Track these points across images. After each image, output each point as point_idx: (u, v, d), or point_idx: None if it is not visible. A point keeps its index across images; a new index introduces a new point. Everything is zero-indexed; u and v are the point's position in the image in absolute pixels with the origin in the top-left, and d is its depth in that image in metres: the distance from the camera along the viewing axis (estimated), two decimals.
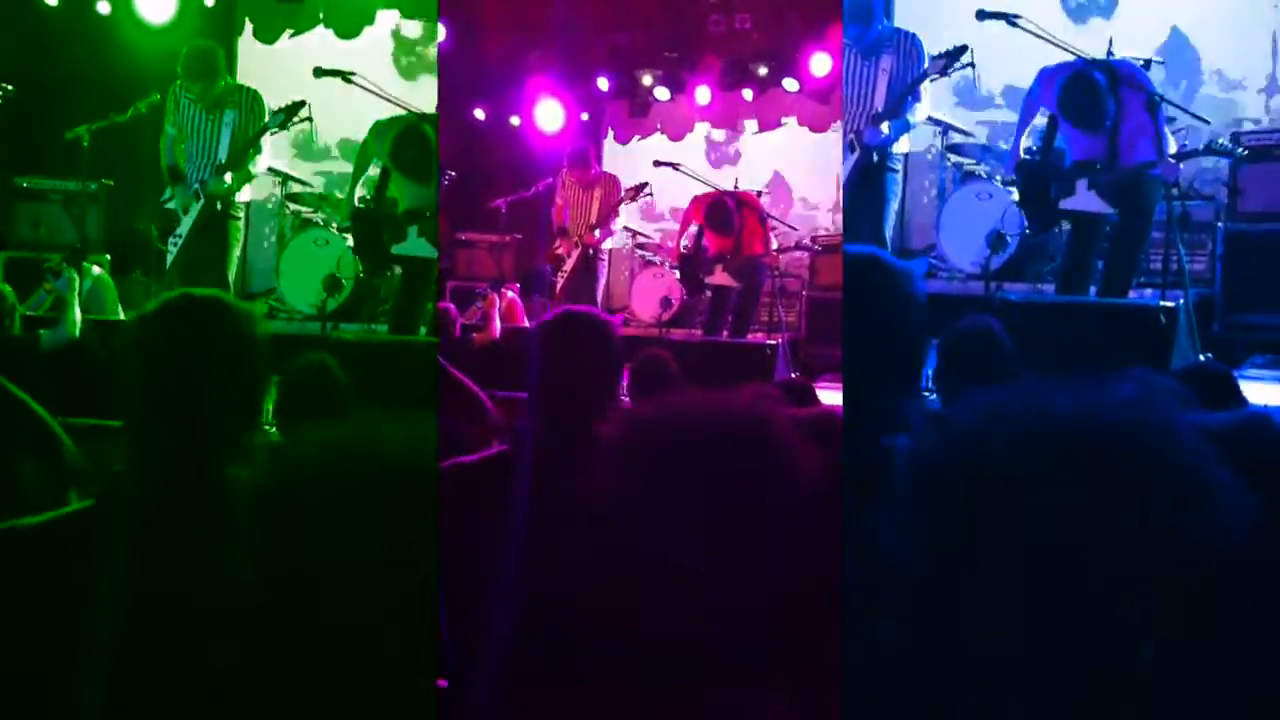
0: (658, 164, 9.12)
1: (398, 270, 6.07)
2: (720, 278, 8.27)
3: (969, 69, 4.90)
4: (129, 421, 1.57)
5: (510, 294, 8.48)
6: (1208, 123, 5.21)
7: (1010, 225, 5.64)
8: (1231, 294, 5.22)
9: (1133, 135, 4.84)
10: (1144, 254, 5.27)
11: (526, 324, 8.15)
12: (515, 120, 9.55)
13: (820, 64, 8.78)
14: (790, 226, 9.32)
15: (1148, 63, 5.02)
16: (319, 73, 6.00)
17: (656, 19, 9.13)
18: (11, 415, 2.30)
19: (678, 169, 9.23)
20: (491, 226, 9.33)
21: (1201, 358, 4.72)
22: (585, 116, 9.72)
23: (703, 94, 9.32)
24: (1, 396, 2.34)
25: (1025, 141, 5.29)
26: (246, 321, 1.61)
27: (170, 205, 5.75)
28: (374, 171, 5.87)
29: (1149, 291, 5.19)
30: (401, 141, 5.31)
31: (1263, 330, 5.22)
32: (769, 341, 7.55)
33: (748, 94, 9.47)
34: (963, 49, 4.98)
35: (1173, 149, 4.86)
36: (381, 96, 5.68)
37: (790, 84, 9.16)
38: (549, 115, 9.39)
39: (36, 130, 7.27)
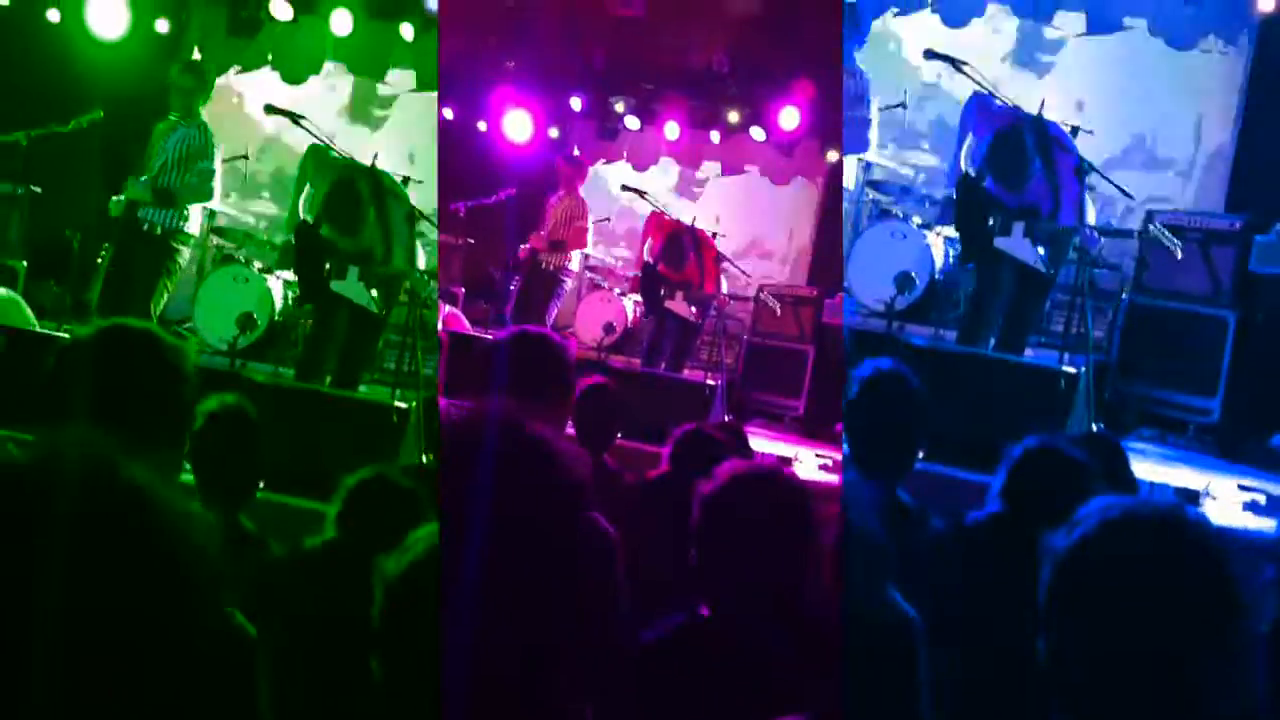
0: (625, 188, 9.22)
1: (308, 319, 6.05)
2: (678, 306, 8.32)
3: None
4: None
5: (446, 306, 8.44)
6: (1131, 196, 5.35)
7: (920, 267, 5.71)
8: (1127, 364, 5.31)
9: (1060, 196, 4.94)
10: (1047, 315, 5.38)
11: (467, 329, 8.17)
12: (483, 125, 9.62)
13: (789, 118, 8.93)
14: (743, 271, 9.41)
15: (1075, 129, 5.15)
16: (269, 110, 6.04)
17: (637, 47, 9.27)
18: None
19: (644, 196, 9.33)
20: (445, 227, 9.34)
21: (1094, 426, 4.79)
22: (554, 132, 9.81)
23: (671, 129, 9.45)
24: None
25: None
26: (176, 356, 1.62)
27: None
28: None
29: (1049, 352, 5.27)
30: (331, 195, 5.30)
31: (1153, 403, 5.31)
32: (709, 381, 7.59)
33: (715, 136, 9.62)
34: None
35: (1091, 218, 4.97)
36: (326, 144, 5.72)
37: (757, 133, 9.32)
38: (517, 125, 9.47)
39: None
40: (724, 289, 8.69)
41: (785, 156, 9.61)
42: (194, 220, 5.93)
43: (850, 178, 6.10)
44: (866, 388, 3.07)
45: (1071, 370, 4.65)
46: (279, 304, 7.26)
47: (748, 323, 9.21)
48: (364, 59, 8.79)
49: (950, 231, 6.39)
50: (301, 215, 5.51)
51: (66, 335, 4.77)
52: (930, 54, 5.26)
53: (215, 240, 8.06)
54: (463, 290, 9.37)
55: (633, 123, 9.54)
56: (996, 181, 4.96)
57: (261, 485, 2.73)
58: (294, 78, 8.79)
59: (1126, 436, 4.90)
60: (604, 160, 9.79)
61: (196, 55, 8.86)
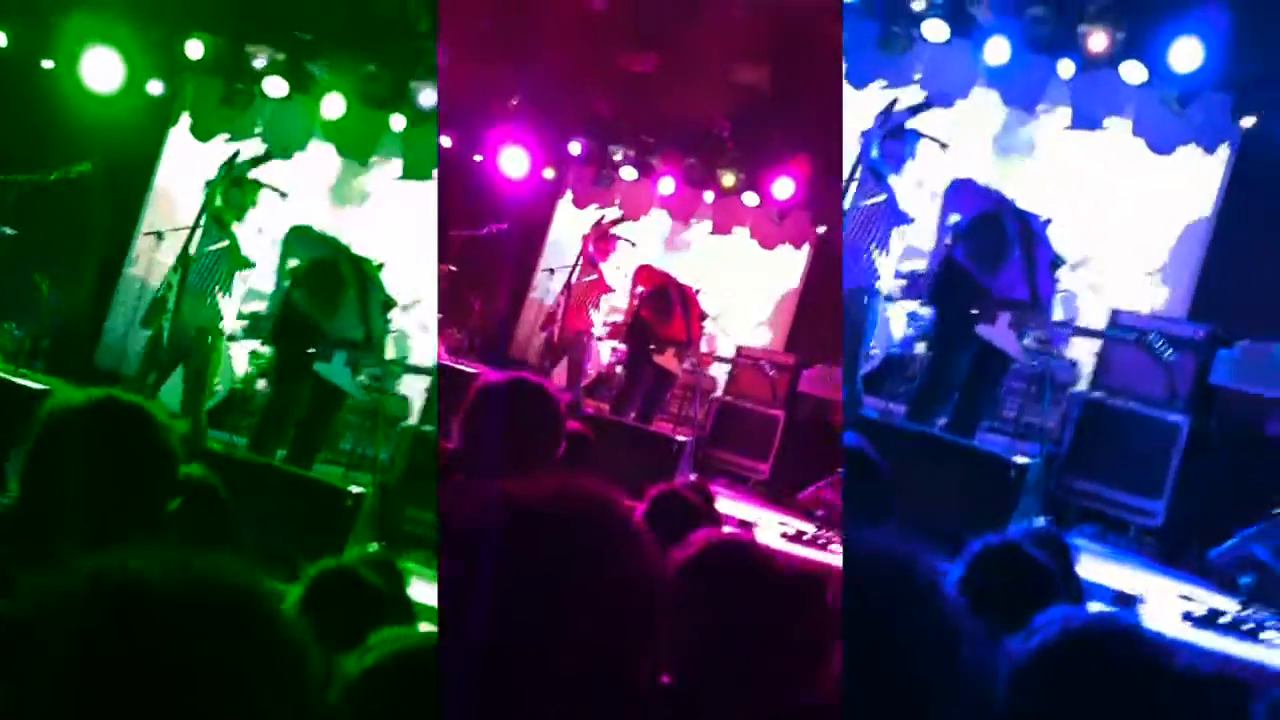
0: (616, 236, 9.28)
1: (268, 390, 6.00)
2: (668, 361, 8.31)
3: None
4: (29, 514, 1.55)
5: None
6: (1092, 294, 5.35)
7: (879, 339, 5.71)
8: (1077, 458, 5.30)
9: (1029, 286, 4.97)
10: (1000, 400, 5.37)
11: (444, 358, 8.16)
12: (479, 157, 9.69)
13: (783, 188, 9.02)
14: (725, 331, 9.44)
15: (1047, 221, 5.21)
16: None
17: (641, 100, 9.38)
18: None
19: (634, 246, 9.40)
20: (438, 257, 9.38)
21: (1041, 520, 4.75)
22: (549, 173, 9.89)
23: (666, 184, 9.54)
24: None
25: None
26: (166, 434, 1.62)
27: None
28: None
29: (998, 438, 5.24)
30: (312, 272, 5.30)
31: (1098, 500, 5.28)
32: (678, 437, 7.55)
33: (709, 195, 9.71)
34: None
35: (1057, 311, 5.01)
36: (308, 224, 5.82)
37: (750, 198, 9.40)
38: (514, 162, 9.55)
39: None
40: (701, 346, 8.72)
41: (775, 223, 9.68)
42: (228, 315, 5.96)
43: (889, 281, 5.77)
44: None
45: (1023, 460, 4.63)
46: (240, 372, 7.24)
47: (719, 380, 9.22)
48: (352, 143, 8.91)
49: (912, 306, 6.42)
50: (284, 291, 5.51)
51: (31, 385, 4.73)
52: (916, 134, 5.33)
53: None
54: (440, 317, 9.35)
55: (629, 173, 9.63)
56: (971, 260, 4.99)
57: None
58: (280, 151, 8.90)
59: (1068, 530, 4.88)
60: (596, 205, 9.85)
61: (185, 119, 8.97)
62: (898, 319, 6.49)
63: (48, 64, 8.12)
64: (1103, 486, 5.26)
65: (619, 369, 9.18)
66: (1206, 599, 4.46)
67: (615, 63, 9.22)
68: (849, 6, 7.06)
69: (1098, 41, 6.15)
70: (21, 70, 8.15)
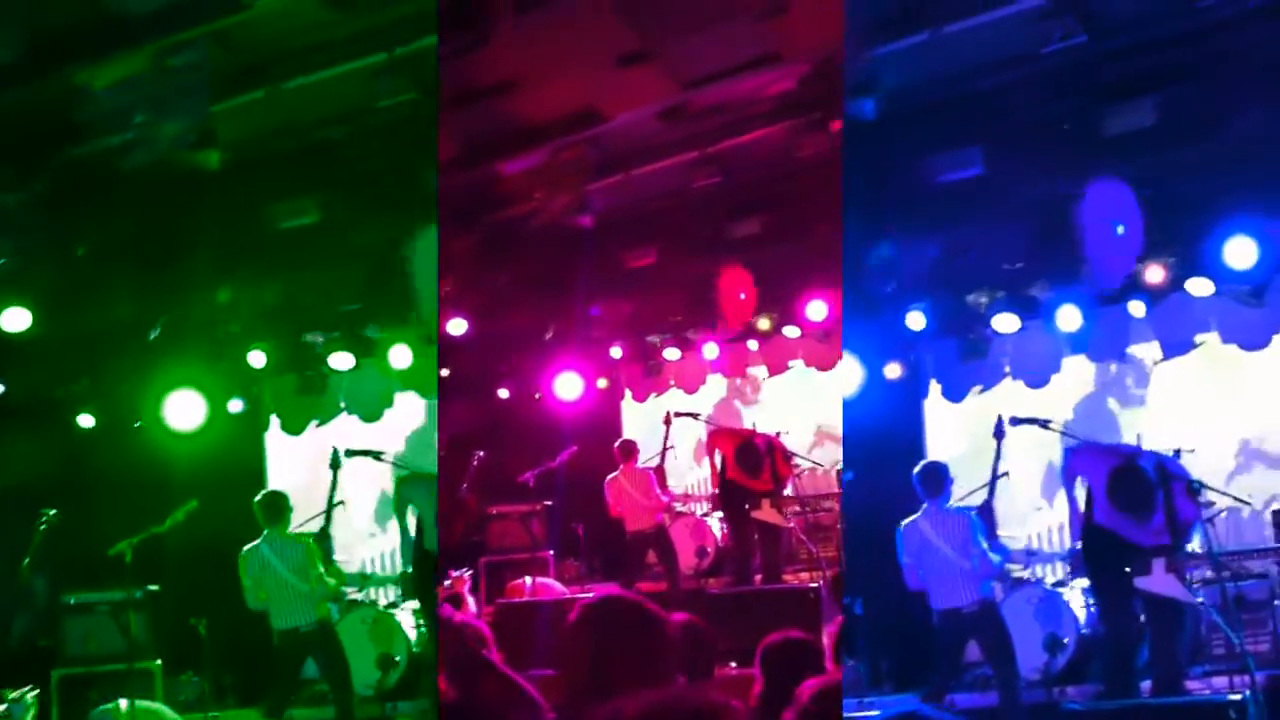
0: (677, 414, 9.47)
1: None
2: (768, 514, 8.50)
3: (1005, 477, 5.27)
4: None
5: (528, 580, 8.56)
6: (1248, 503, 5.51)
7: (1065, 627, 5.86)
8: None
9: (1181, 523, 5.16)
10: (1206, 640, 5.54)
11: (563, 593, 8.37)
12: (537, 395, 9.86)
13: (817, 310, 9.17)
14: (815, 463, 9.65)
15: (1177, 451, 5.38)
16: (350, 453, 6.28)
17: (659, 287, 9.51)
18: None
19: (697, 419, 9.59)
20: (521, 497, 9.60)
21: None
22: (603, 383, 10.05)
23: (710, 349, 9.73)
24: None
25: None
26: None
27: None
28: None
29: (1219, 680, 5.37)
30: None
31: None
32: (811, 585, 7.72)
33: (753, 344, 9.89)
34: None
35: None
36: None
37: (791, 331, 9.58)
38: (568, 386, 9.72)
39: (78, 546, 7.38)
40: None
41: (823, 344, 9.87)
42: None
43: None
44: None
45: (1238, 698, 4.84)
46: (413, 636, 7.24)
47: (838, 510, 9.44)
48: (430, 383, 9.03)
49: (1085, 583, 6.55)
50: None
51: None
52: (1016, 420, 5.51)
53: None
54: (552, 553, 9.57)
55: (672, 354, 9.81)
56: (1124, 514, 5.15)
57: None
58: (369, 416, 9.08)
59: None
60: (655, 394, 10.05)
61: (275, 421, 9.13)
62: (1076, 601, 6.54)
63: (136, 425, 8.38)
64: None
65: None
66: None
67: (622, 266, 9.32)
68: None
69: (1155, 274, 6.31)
70: (113, 436, 8.46)
